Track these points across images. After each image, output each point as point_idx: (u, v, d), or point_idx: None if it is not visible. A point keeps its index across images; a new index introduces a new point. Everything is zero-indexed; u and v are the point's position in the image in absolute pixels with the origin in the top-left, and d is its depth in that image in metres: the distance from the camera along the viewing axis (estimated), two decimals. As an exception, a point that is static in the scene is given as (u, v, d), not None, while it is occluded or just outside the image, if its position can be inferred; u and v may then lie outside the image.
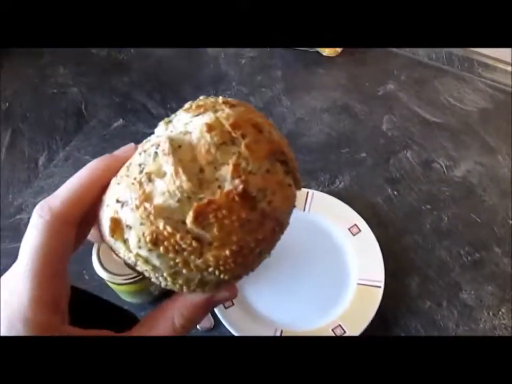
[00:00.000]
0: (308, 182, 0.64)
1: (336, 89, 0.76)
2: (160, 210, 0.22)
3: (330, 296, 0.55)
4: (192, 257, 0.22)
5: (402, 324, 0.53)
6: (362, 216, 0.59)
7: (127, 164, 0.24)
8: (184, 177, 0.21)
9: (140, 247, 0.22)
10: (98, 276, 0.48)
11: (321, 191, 0.62)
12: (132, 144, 0.25)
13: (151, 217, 0.22)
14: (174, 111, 0.25)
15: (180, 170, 0.22)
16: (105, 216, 0.24)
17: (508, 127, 0.69)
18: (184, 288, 0.23)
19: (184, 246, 0.22)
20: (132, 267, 0.24)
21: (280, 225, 0.24)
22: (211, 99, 0.25)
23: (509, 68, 0.74)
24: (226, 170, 0.22)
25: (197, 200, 0.21)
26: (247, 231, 0.22)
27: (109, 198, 0.24)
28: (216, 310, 0.52)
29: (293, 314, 0.54)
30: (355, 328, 0.51)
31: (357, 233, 0.58)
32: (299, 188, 0.25)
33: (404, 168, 0.66)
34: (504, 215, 0.61)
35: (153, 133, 0.25)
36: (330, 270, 0.57)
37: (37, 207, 0.23)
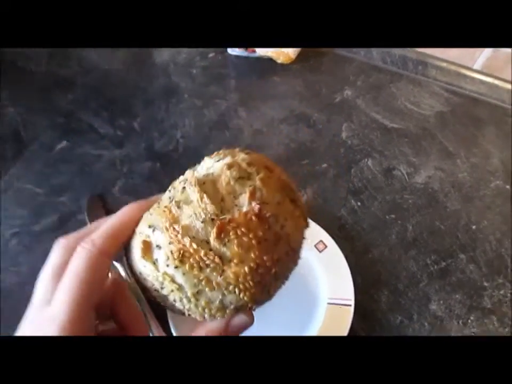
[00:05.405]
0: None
1: (292, 98, 0.74)
2: (187, 229, 0.25)
3: (302, 317, 0.53)
4: (215, 274, 0.24)
5: (375, 341, 0.52)
6: (327, 231, 0.57)
7: (157, 201, 0.28)
8: (208, 201, 0.25)
9: (167, 265, 0.25)
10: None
11: (284, 207, 0.59)
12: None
13: (179, 236, 0.25)
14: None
15: (205, 196, 0.25)
16: (137, 241, 0.26)
17: (465, 130, 0.69)
18: (206, 312, 0.25)
19: (207, 262, 0.24)
20: (158, 293, 0.26)
21: (293, 250, 0.26)
22: (230, 149, 0.30)
23: (462, 70, 0.74)
24: (244, 198, 0.25)
25: (219, 221, 0.24)
26: (264, 249, 0.24)
27: (141, 226, 0.27)
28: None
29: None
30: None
31: (323, 249, 0.56)
32: (307, 225, 0.28)
33: (366, 177, 0.65)
34: (467, 221, 0.61)
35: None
36: (300, 291, 0.55)
37: (81, 243, 0.25)
